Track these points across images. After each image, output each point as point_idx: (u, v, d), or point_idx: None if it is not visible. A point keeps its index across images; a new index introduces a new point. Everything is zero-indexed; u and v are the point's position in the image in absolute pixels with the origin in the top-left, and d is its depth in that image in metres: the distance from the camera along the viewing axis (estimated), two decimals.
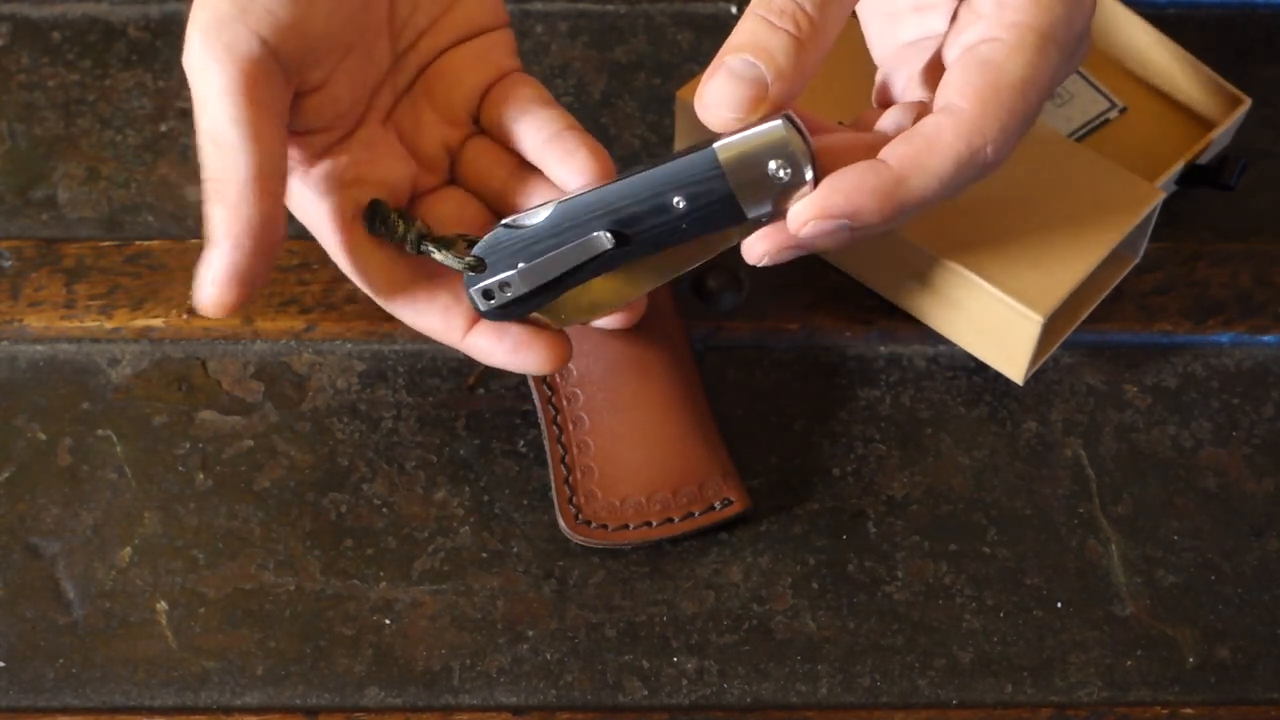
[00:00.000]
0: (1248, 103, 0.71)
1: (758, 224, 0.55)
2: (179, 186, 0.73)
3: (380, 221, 0.59)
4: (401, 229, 0.59)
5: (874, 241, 0.66)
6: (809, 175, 0.53)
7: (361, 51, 0.58)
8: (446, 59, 0.62)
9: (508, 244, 0.58)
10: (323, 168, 0.59)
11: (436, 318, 0.60)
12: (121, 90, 0.76)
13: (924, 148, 0.52)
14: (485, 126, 0.62)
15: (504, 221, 0.58)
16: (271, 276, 0.57)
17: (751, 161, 0.53)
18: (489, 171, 0.61)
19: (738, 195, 0.54)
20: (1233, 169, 0.69)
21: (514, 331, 0.60)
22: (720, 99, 0.52)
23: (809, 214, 0.53)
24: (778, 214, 0.54)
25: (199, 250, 0.70)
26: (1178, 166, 0.70)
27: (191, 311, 0.69)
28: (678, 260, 0.57)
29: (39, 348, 0.69)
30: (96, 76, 0.76)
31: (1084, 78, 0.74)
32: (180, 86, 0.76)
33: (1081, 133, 0.72)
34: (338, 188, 0.59)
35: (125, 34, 0.77)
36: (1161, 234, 0.71)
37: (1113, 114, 0.73)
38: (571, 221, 0.56)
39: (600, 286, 0.58)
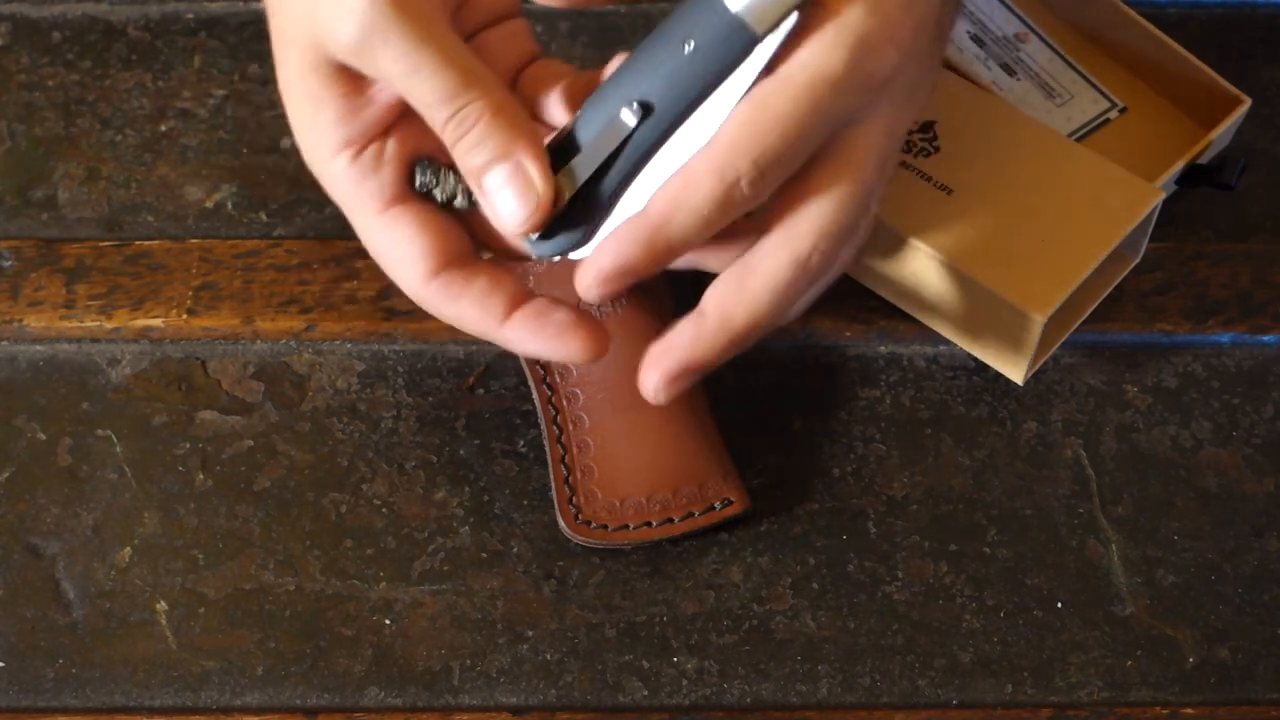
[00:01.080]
0: (1248, 103, 0.71)
1: (767, 41, 0.52)
2: (179, 186, 0.73)
3: (432, 173, 0.57)
4: (454, 181, 0.57)
5: (874, 241, 0.67)
6: None
7: None
8: (476, 43, 0.61)
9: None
10: (377, 145, 0.57)
11: (473, 306, 0.57)
12: (121, 90, 0.76)
13: (679, 188, 0.52)
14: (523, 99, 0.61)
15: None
16: None
17: None
18: None
19: (743, 14, 0.51)
20: (1233, 169, 0.69)
21: (557, 318, 0.57)
22: None
23: (588, 279, 0.54)
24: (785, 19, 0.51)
25: (199, 250, 0.70)
26: (1178, 166, 0.69)
27: (191, 311, 0.70)
28: (702, 125, 0.54)
29: (39, 348, 0.69)
30: (96, 76, 0.76)
31: (1084, 78, 0.74)
32: (180, 86, 0.76)
33: (1081, 133, 0.72)
34: (387, 163, 0.57)
35: (125, 34, 0.77)
36: (1161, 234, 0.71)
37: (1113, 114, 0.73)
38: (596, 111, 0.54)
39: (637, 179, 0.55)
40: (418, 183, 0.57)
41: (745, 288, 0.54)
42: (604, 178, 0.54)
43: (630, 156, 0.54)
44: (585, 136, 0.54)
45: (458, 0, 0.59)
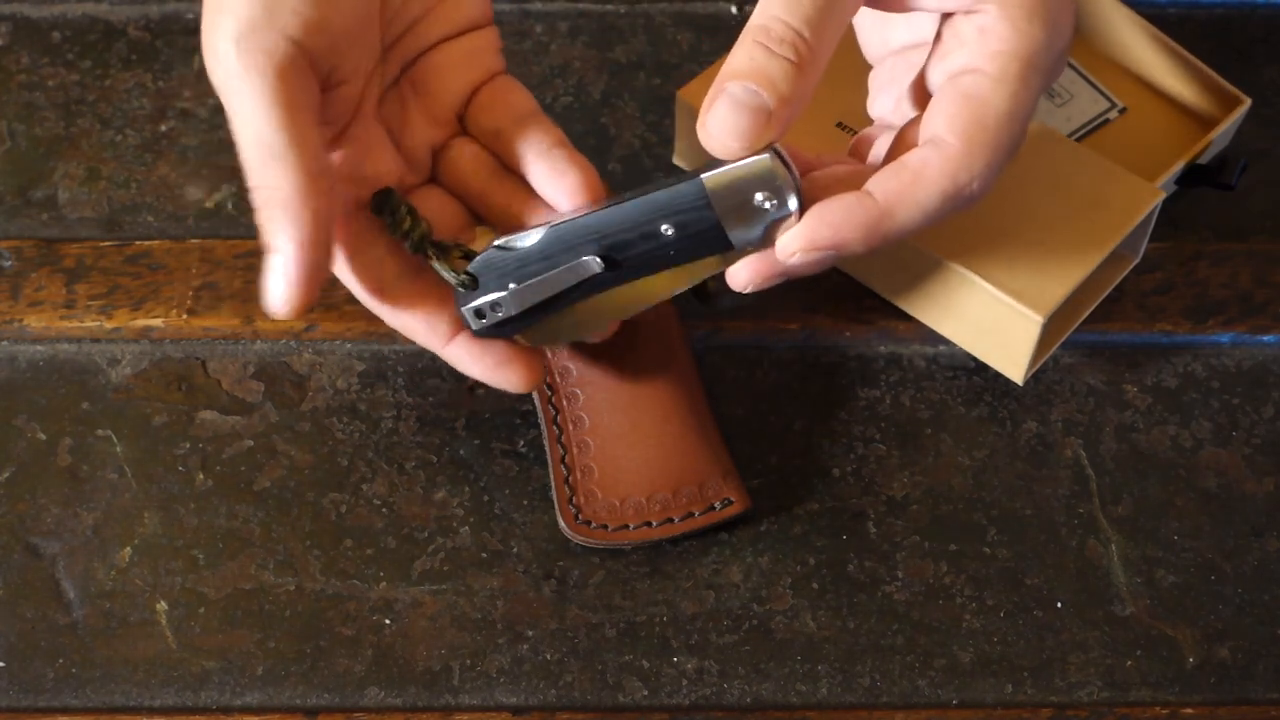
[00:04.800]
0: (1248, 103, 0.71)
1: (745, 251, 0.55)
2: (179, 186, 0.73)
3: (389, 211, 0.59)
4: (408, 224, 0.59)
5: None
6: (794, 205, 0.53)
7: (364, 44, 0.58)
8: (435, 56, 0.61)
9: (500, 265, 0.58)
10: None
11: (420, 321, 0.60)
12: (121, 90, 0.76)
13: (910, 183, 0.53)
14: (472, 130, 0.62)
15: (496, 243, 0.58)
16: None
17: (738, 192, 0.54)
18: (471, 173, 0.61)
19: (724, 224, 0.55)
20: (1233, 169, 0.69)
21: (496, 348, 0.61)
22: (724, 127, 0.52)
23: (796, 245, 0.54)
24: (764, 243, 0.55)
25: (199, 250, 0.70)
26: (1178, 166, 0.70)
27: (191, 311, 0.70)
28: (661, 286, 0.57)
29: (39, 348, 0.69)
30: (96, 76, 0.76)
31: (1084, 78, 0.74)
32: (180, 86, 0.76)
33: (1081, 133, 0.72)
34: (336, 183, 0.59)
35: (125, 34, 0.77)
36: (1161, 234, 0.71)
37: (1113, 114, 0.73)
38: (562, 245, 0.57)
39: (583, 310, 0.59)
40: (379, 209, 0.60)
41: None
42: (556, 299, 0.58)
43: (580, 291, 0.58)
44: (551, 264, 0.58)
45: (410, 17, 0.60)
